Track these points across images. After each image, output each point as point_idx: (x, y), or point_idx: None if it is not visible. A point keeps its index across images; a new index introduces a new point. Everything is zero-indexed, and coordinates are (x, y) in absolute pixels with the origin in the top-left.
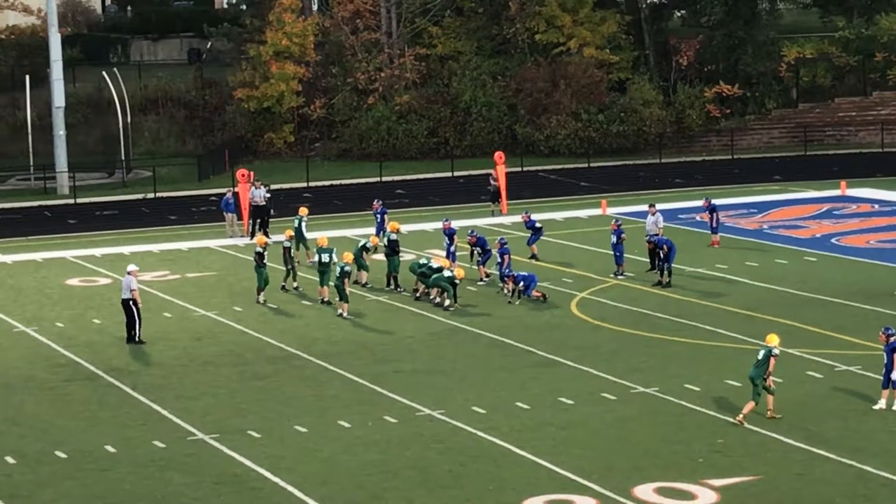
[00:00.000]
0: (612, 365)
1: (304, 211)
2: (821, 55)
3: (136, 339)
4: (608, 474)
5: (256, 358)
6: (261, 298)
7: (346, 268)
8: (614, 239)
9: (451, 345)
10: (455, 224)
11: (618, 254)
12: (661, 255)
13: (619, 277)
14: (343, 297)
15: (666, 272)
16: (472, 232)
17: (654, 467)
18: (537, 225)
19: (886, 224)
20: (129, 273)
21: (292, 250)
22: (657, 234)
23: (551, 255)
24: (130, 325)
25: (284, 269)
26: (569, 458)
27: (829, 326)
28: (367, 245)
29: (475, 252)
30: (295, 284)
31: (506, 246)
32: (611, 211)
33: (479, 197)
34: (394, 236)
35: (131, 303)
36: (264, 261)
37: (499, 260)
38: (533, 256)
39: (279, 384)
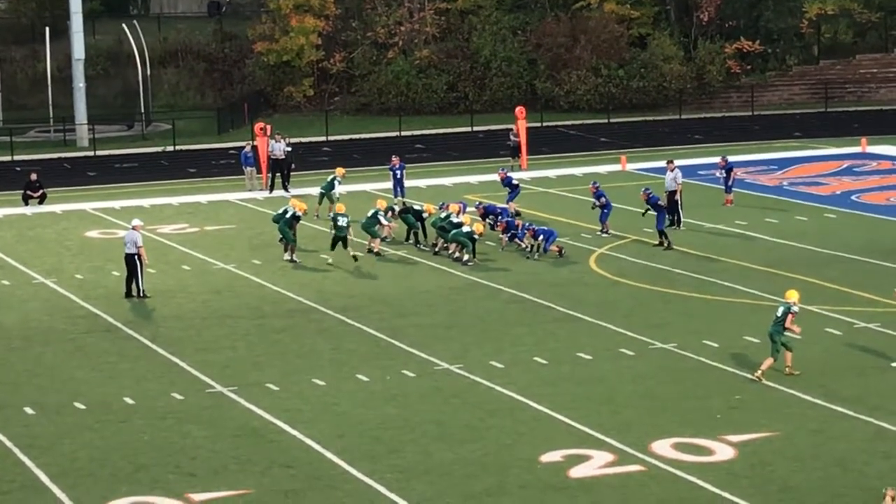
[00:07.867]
0: (631, 321)
1: (340, 171)
2: (842, 11)
3: (140, 293)
4: (626, 429)
5: (275, 311)
6: (294, 257)
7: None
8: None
9: (470, 300)
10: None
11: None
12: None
13: (605, 235)
14: (345, 244)
15: (659, 233)
16: (479, 203)
17: (671, 423)
18: (514, 182)
19: None
20: (133, 228)
21: (316, 204)
22: (675, 190)
23: (571, 211)
24: (131, 279)
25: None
26: (587, 413)
27: (849, 283)
28: (394, 207)
29: (487, 220)
30: (293, 256)
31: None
32: (630, 167)
33: (498, 152)
34: (425, 214)
35: (136, 258)
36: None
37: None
38: (516, 214)
39: (297, 337)
